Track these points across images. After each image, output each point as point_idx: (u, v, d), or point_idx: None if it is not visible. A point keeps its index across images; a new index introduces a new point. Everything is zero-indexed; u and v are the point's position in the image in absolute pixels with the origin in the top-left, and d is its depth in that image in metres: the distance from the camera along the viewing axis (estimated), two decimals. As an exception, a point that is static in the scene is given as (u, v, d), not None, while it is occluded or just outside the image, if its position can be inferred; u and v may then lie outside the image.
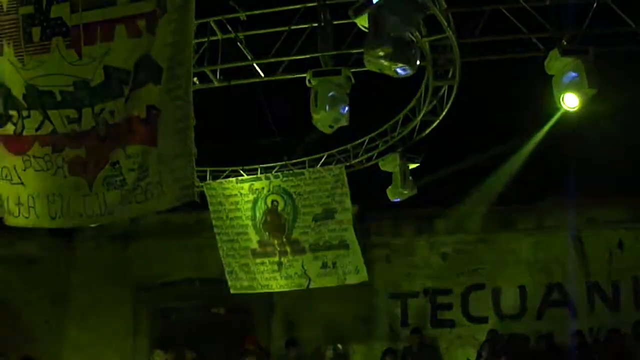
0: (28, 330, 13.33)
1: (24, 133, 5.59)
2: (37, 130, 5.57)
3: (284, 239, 11.42)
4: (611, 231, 12.58)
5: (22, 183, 5.67)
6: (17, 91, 5.56)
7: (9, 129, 5.64)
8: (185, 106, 5.19)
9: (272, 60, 9.14)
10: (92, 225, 12.96)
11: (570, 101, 8.13)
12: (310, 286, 11.52)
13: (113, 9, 5.38)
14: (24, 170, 5.63)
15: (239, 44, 9.25)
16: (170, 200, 5.33)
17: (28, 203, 5.68)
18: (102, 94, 5.38)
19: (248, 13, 9.06)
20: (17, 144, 5.65)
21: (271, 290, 12.01)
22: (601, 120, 10.19)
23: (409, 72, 6.28)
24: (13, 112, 5.62)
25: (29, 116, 5.57)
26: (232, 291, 11.89)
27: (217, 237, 11.73)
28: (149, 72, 5.28)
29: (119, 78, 5.34)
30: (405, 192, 10.70)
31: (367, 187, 11.53)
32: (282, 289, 11.83)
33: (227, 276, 11.81)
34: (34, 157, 5.59)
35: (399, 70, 6.24)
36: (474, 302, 12.91)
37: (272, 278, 11.61)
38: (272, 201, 11.42)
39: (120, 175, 5.39)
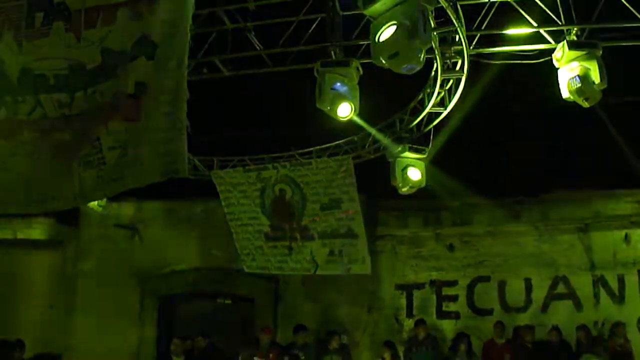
0: (34, 315, 13.40)
1: (16, 118, 5.51)
2: (29, 115, 5.51)
3: (294, 225, 11.53)
4: (617, 224, 12.50)
5: (6, 169, 5.55)
6: (13, 75, 5.50)
7: (2, 113, 5.58)
8: (176, 79, 5.10)
9: (281, 50, 9.14)
10: (100, 211, 13.13)
11: (582, 94, 8.09)
12: (317, 272, 11.69)
13: None
14: (10, 156, 5.54)
15: (247, 34, 9.26)
16: (151, 175, 5.15)
17: (6, 189, 5.56)
18: (97, 76, 5.34)
19: (257, 3, 9.08)
20: (7, 129, 5.57)
21: (283, 273, 12.24)
22: (607, 113, 10.17)
23: (415, 69, 6.30)
24: (8, 98, 5.55)
25: (23, 101, 5.51)
26: (247, 270, 12.11)
27: (231, 223, 11.87)
28: (142, 48, 5.24)
29: (116, 60, 5.30)
30: (414, 182, 10.70)
31: (374, 177, 11.53)
32: (292, 272, 12.07)
33: (242, 257, 12.04)
34: (22, 142, 5.51)
35: (404, 70, 6.27)
36: (479, 294, 12.88)
37: (283, 261, 11.83)
38: (280, 189, 11.51)
39: (100, 152, 5.25)
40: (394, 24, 6.40)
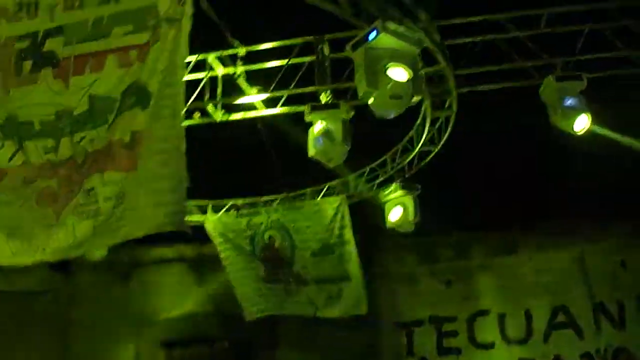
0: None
1: None
2: (9, 161, 5.37)
3: (286, 271, 11.45)
4: (614, 251, 12.54)
5: None
6: None
7: None
8: (172, 127, 5.02)
9: (272, 94, 9.21)
10: (95, 258, 13.04)
11: (579, 124, 8.21)
12: (317, 314, 11.57)
13: (107, 40, 5.34)
14: None
15: (238, 79, 9.34)
16: (149, 226, 4.96)
17: None
18: (85, 122, 5.24)
19: (247, 48, 9.17)
20: None
21: (284, 313, 11.97)
22: (602, 141, 10.24)
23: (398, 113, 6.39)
24: None
25: (2, 146, 5.38)
26: (248, 318, 11.85)
27: (227, 269, 11.75)
28: (136, 98, 5.16)
29: (104, 106, 5.22)
30: (408, 221, 10.72)
31: (368, 217, 11.53)
32: (292, 313, 11.85)
33: (242, 304, 11.79)
34: (1, 189, 5.35)
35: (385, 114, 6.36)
36: (479, 328, 12.84)
37: (283, 301, 11.69)
38: (270, 237, 11.44)
39: (95, 203, 5.07)
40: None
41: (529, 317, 12.70)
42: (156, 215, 4.95)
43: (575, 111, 8.22)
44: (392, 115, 6.53)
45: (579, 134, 8.34)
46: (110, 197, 5.06)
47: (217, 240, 11.68)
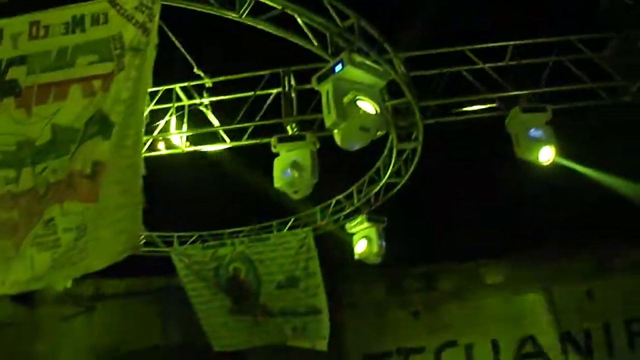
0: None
1: None
2: None
3: (252, 302, 11.34)
4: (580, 281, 12.62)
5: None
6: None
7: None
8: (133, 157, 5.00)
9: (238, 126, 9.16)
10: (59, 290, 12.80)
11: (544, 155, 8.27)
12: (288, 343, 11.48)
13: (71, 70, 5.31)
14: None
15: (204, 110, 9.29)
16: (110, 257, 4.92)
17: None
18: (47, 152, 5.17)
19: (214, 80, 9.13)
20: None
21: (254, 345, 11.83)
22: (568, 173, 10.35)
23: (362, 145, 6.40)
24: None
25: None
26: (216, 349, 11.75)
27: (194, 300, 11.61)
28: (98, 127, 5.11)
29: (67, 136, 5.16)
30: (375, 253, 10.67)
31: (336, 248, 11.48)
32: (262, 343, 11.72)
33: (209, 336, 11.71)
34: None
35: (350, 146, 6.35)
36: (447, 359, 12.80)
37: (252, 333, 11.58)
38: (234, 268, 11.34)
39: (54, 234, 4.97)
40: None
41: (496, 347, 12.71)
42: (116, 244, 4.91)
43: (540, 142, 8.28)
44: (356, 147, 6.52)
45: (544, 165, 8.39)
46: (71, 228, 4.98)
47: (182, 272, 11.55)
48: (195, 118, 9.42)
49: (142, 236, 5.09)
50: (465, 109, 8.76)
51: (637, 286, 12.26)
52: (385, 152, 9.64)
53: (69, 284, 12.34)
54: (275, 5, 6.64)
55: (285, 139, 8.48)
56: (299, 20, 6.90)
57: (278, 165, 8.42)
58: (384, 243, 10.67)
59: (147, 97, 5.43)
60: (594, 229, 11.57)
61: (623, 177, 10.52)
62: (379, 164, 10.09)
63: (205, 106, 9.31)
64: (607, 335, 12.43)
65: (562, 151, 8.52)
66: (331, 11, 6.95)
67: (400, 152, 9.27)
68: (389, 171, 9.69)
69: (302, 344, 11.39)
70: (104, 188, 4.98)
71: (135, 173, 4.98)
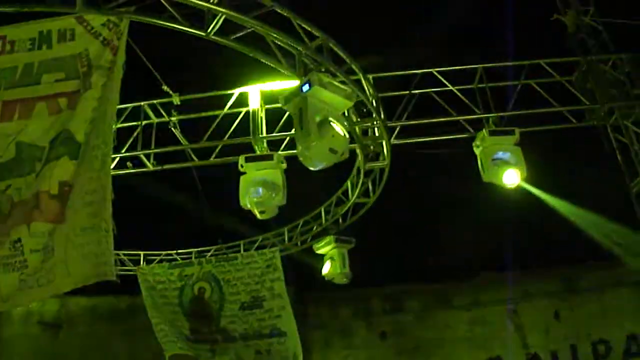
0: None
1: None
2: None
3: (213, 327, 11.14)
4: (547, 302, 12.71)
5: None
6: None
7: None
8: (100, 179, 4.95)
9: (206, 145, 9.10)
10: (25, 308, 12.59)
11: (509, 178, 8.29)
12: None
13: (36, 87, 5.28)
14: None
15: (172, 128, 9.21)
16: (78, 280, 4.87)
17: None
18: (11, 170, 5.12)
19: (182, 98, 9.06)
20: None
21: None
22: (529, 195, 10.41)
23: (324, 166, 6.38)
24: None
25: None
26: None
27: (153, 322, 11.39)
28: (65, 147, 5.08)
29: (32, 154, 5.12)
30: (340, 273, 10.61)
31: (303, 269, 11.44)
32: None
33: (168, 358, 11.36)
34: None
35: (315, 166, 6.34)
36: (414, 381, 12.82)
37: None
38: (199, 288, 11.20)
39: (21, 255, 4.92)
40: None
41: (464, 369, 12.72)
42: (84, 268, 4.85)
43: (506, 165, 8.31)
44: (320, 167, 6.49)
45: (509, 187, 8.42)
46: (37, 249, 4.91)
47: (145, 292, 11.35)
48: (163, 136, 9.34)
49: (113, 263, 4.96)
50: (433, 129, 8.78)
51: (603, 307, 12.38)
52: (353, 172, 9.62)
53: (34, 303, 12.19)
54: (244, 24, 6.62)
55: (253, 159, 8.44)
56: (267, 39, 6.89)
57: (244, 184, 8.36)
58: (346, 264, 10.57)
59: (114, 118, 5.37)
60: (560, 251, 11.67)
61: (568, 201, 10.53)
62: (346, 184, 10.08)
63: (174, 124, 9.22)
64: (574, 356, 12.51)
65: (529, 175, 8.52)
66: (300, 31, 6.94)
67: (367, 173, 9.25)
68: (357, 191, 9.66)
69: None
70: (71, 209, 4.93)
71: (104, 196, 4.94)
